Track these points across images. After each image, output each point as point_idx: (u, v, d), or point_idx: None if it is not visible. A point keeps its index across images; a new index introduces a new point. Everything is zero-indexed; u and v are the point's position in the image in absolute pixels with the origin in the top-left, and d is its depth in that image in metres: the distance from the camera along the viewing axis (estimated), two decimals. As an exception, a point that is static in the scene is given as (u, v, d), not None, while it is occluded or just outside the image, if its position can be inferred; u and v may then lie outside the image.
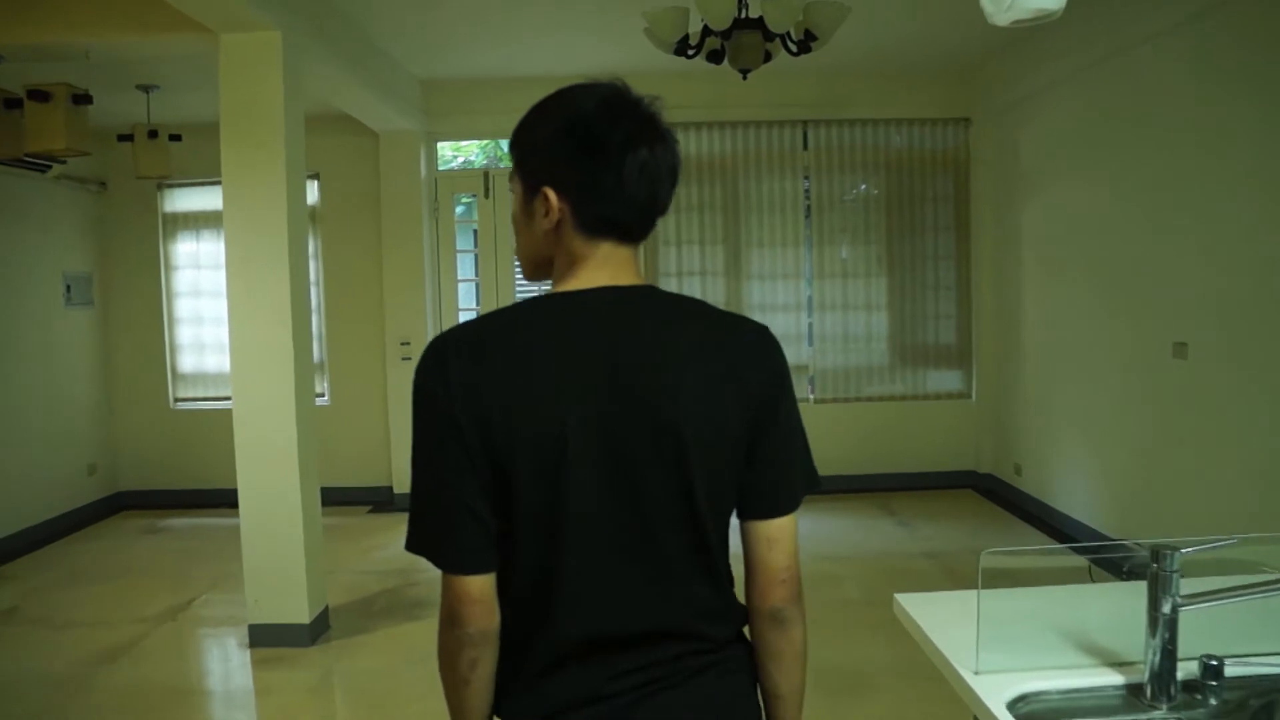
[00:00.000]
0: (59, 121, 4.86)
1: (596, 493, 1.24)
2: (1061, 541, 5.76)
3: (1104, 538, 5.35)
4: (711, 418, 1.27)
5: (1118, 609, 1.82)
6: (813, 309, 7.26)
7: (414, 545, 1.30)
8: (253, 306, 4.42)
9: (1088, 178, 5.62)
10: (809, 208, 7.25)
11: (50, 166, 6.30)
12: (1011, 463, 6.83)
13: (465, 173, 7.50)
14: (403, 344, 7.05)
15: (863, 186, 7.27)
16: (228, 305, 4.46)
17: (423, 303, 7.06)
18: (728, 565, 1.35)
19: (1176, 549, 1.47)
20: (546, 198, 1.29)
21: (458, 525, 1.25)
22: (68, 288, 7.00)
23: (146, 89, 5.93)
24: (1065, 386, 6.01)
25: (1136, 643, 1.54)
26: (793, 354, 7.22)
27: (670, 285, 7.14)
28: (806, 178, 7.22)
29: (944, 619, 1.88)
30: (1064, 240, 5.98)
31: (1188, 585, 1.48)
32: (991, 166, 7.06)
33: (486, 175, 7.28)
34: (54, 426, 6.86)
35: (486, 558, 1.27)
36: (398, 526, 6.56)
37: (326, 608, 4.75)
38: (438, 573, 1.30)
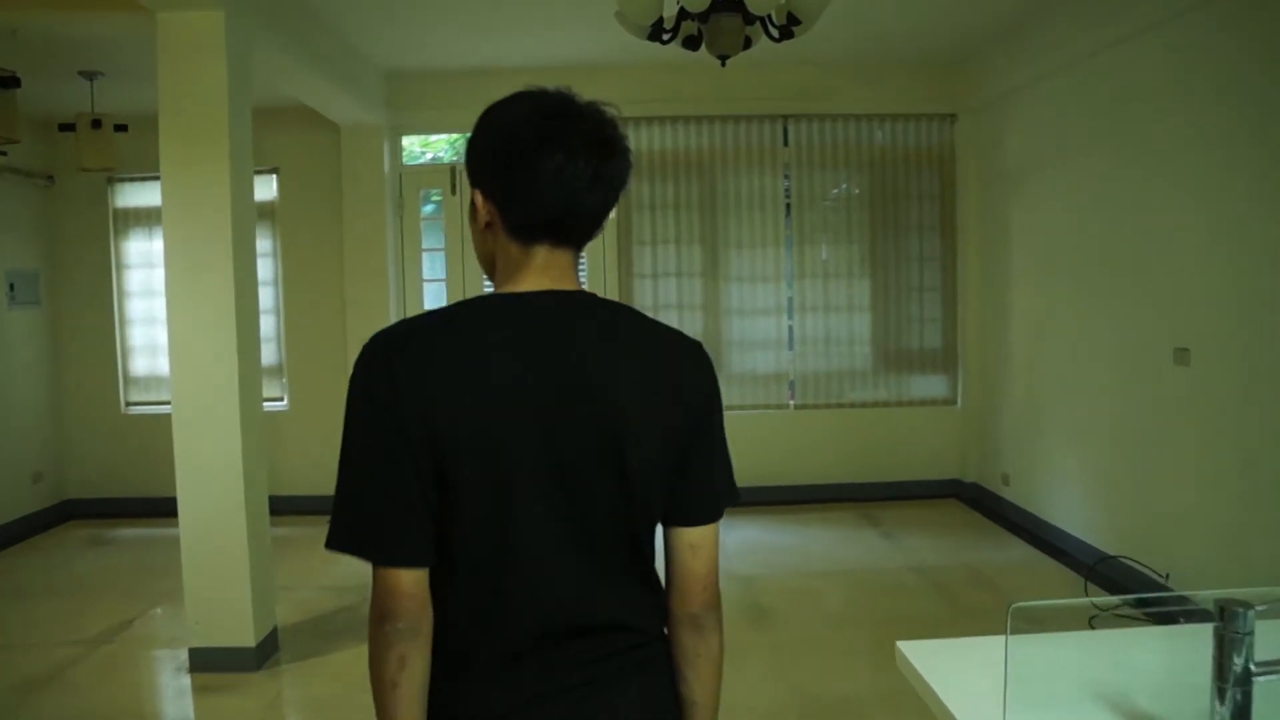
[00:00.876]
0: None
1: (540, 494, 1.26)
2: (1052, 555, 5.52)
3: (1097, 551, 5.12)
4: (650, 425, 1.30)
5: (1168, 662, 1.54)
6: (793, 311, 7.01)
7: (338, 541, 1.27)
8: (194, 310, 4.12)
9: (1078, 175, 5.38)
10: (789, 206, 6.99)
11: (-12, 157, 5.94)
12: (998, 472, 6.59)
13: (431, 168, 7.20)
14: (365, 346, 6.73)
15: (844, 185, 7.01)
16: (167, 307, 4.16)
17: (386, 303, 6.75)
18: (653, 567, 1.39)
19: (1249, 606, 1.21)
20: (474, 200, 1.35)
21: (393, 518, 1.25)
22: (11, 286, 6.64)
23: (90, 76, 5.59)
24: (1055, 393, 5.78)
25: (1197, 708, 1.27)
26: (773, 359, 6.97)
27: (645, 287, 6.88)
28: (787, 175, 6.96)
29: (955, 670, 1.61)
30: (1053, 240, 5.74)
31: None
32: (978, 163, 6.82)
33: (454, 171, 6.97)
34: (-4, 432, 6.52)
35: (421, 551, 1.27)
36: None
37: (275, 628, 4.44)
38: None
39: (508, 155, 1.30)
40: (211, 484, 4.14)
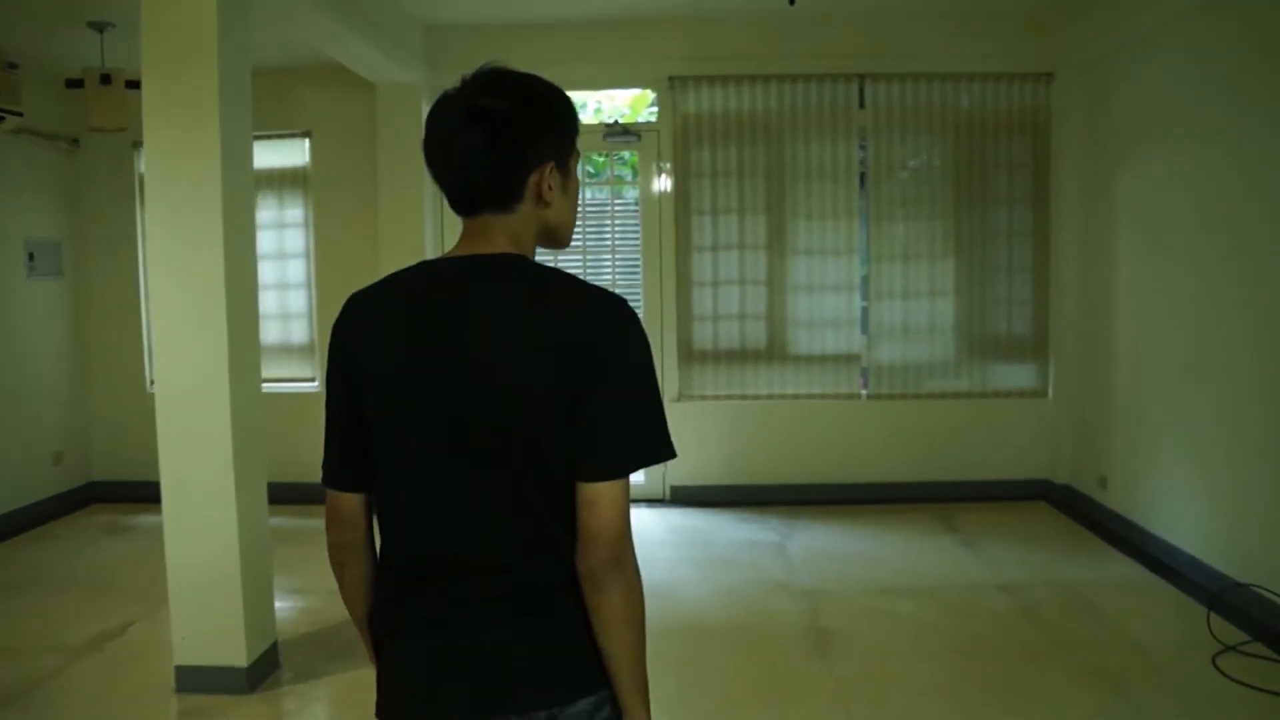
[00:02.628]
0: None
1: (424, 439, 1.39)
2: (1160, 574, 4.83)
3: (1216, 574, 4.43)
4: (530, 381, 1.35)
5: None
6: (867, 293, 6.35)
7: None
8: (179, 285, 3.64)
9: (1202, 141, 4.65)
10: (864, 176, 6.32)
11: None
12: (1095, 473, 5.88)
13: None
14: (400, 325, 6.24)
15: (926, 154, 6.31)
16: (148, 282, 3.71)
17: (423, 278, 6.24)
18: (557, 517, 1.39)
19: None
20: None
21: (331, 448, 1.50)
22: (30, 256, 6.26)
23: (99, 27, 5.13)
24: (1169, 388, 5.06)
25: None
26: (843, 339, 6.32)
27: (704, 261, 6.29)
28: (863, 141, 6.29)
29: None
30: (1170, 215, 5.02)
31: None
32: (1078, 129, 6.08)
33: (497, 134, 6.42)
34: (15, 411, 6.15)
35: (347, 478, 1.49)
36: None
37: (275, 643, 3.95)
38: None
39: (425, 147, 1.46)
40: (198, 475, 3.66)
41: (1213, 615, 4.15)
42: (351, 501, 1.50)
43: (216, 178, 3.61)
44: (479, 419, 1.35)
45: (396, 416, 1.39)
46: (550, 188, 1.44)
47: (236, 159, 3.74)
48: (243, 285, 3.77)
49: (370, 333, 1.42)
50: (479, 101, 1.39)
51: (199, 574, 3.67)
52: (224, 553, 3.65)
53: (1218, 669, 3.70)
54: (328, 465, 1.50)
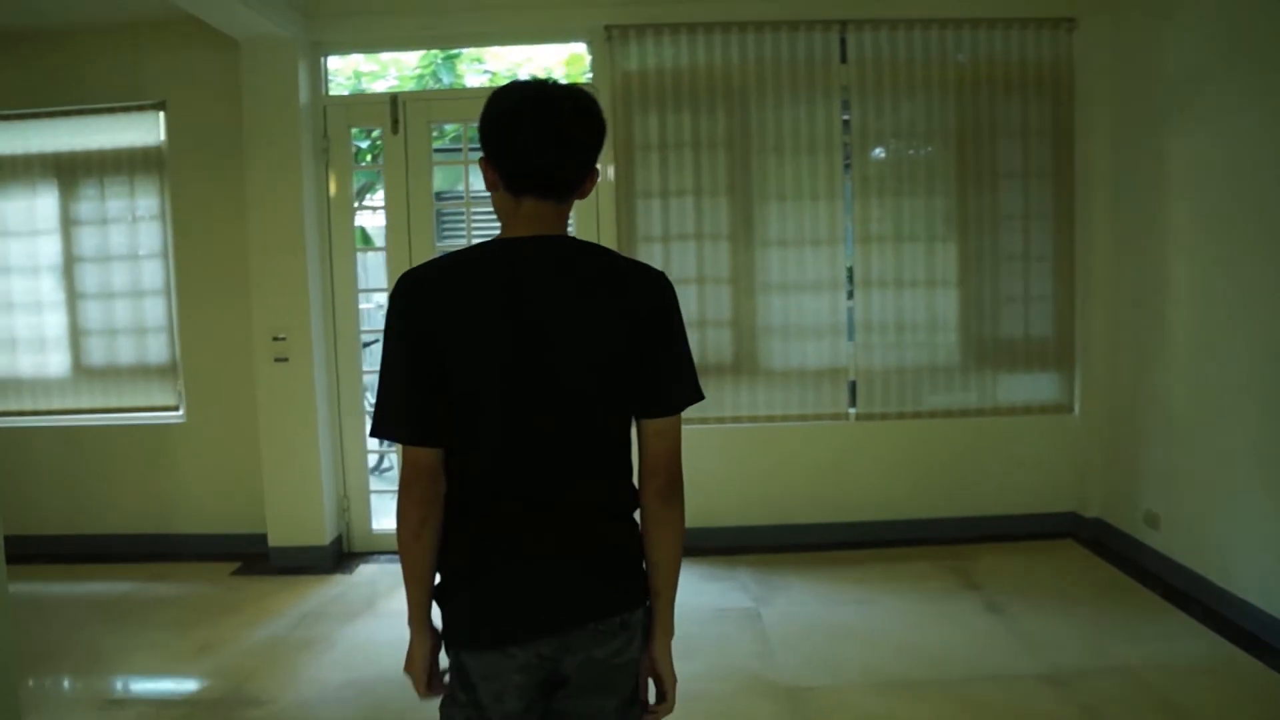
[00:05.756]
0: None
1: (515, 394, 1.61)
2: (1245, 645, 3.71)
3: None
4: (594, 347, 1.63)
5: None
6: (854, 286, 5.20)
7: (378, 430, 1.66)
8: None
9: (1274, 93, 3.55)
10: (849, 145, 5.16)
11: None
12: (1139, 508, 4.75)
13: (367, 99, 5.30)
14: (276, 339, 5.00)
15: (920, 120, 5.15)
16: None
17: (304, 280, 5.00)
18: (623, 459, 1.72)
19: None
20: (481, 165, 1.71)
21: (409, 409, 1.62)
22: None
23: None
24: (1236, 402, 3.95)
25: None
26: (826, 350, 5.16)
27: (654, 252, 5.10)
28: (846, 102, 5.13)
29: None
30: (1232, 187, 3.92)
31: None
32: (1109, 83, 4.97)
33: (395, 102, 5.19)
34: None
35: (431, 433, 1.62)
36: (271, 598, 4.57)
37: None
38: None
39: (498, 126, 1.64)
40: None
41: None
42: (435, 456, 1.64)
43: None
44: (562, 379, 1.61)
45: (486, 380, 1.60)
46: (591, 185, 1.72)
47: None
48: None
49: (456, 304, 1.61)
50: (579, 103, 1.64)
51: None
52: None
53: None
54: (410, 423, 1.62)
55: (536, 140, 1.61)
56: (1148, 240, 4.66)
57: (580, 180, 1.68)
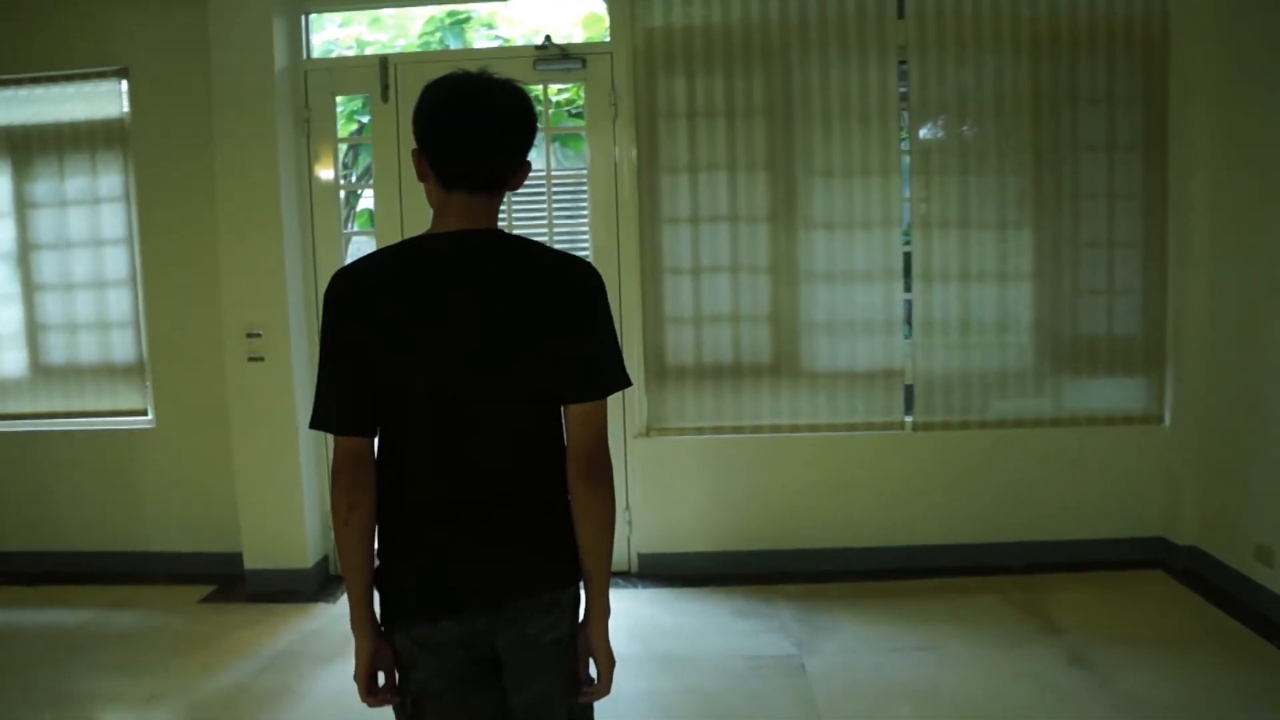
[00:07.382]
0: None
1: (441, 387, 1.65)
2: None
3: None
4: (517, 337, 1.66)
5: None
6: (912, 277, 4.54)
7: (313, 422, 1.71)
8: None
9: None
10: (906, 113, 4.49)
11: None
12: (1248, 540, 4.07)
13: (353, 62, 4.67)
14: (250, 336, 4.41)
15: (989, 84, 4.47)
16: None
17: (281, 269, 4.40)
18: (551, 446, 1.74)
19: None
20: (414, 156, 1.74)
21: (341, 400, 1.67)
22: None
23: None
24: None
25: None
26: (879, 349, 4.52)
27: (680, 238, 4.50)
28: (903, 64, 4.45)
29: None
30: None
31: None
32: (1212, 44, 4.27)
33: (385, 66, 4.57)
34: None
35: (359, 423, 1.67)
36: (240, 632, 4.12)
37: None
38: None
39: (430, 119, 1.68)
40: None
41: None
42: (362, 445, 1.68)
43: None
44: (487, 370, 1.66)
45: (412, 373, 1.64)
46: (523, 178, 1.77)
47: None
48: None
49: (385, 300, 1.64)
50: (493, 100, 1.67)
51: None
52: None
53: None
54: (339, 414, 1.67)
55: (468, 135, 1.66)
56: (1259, 223, 3.96)
57: (510, 174, 1.72)
